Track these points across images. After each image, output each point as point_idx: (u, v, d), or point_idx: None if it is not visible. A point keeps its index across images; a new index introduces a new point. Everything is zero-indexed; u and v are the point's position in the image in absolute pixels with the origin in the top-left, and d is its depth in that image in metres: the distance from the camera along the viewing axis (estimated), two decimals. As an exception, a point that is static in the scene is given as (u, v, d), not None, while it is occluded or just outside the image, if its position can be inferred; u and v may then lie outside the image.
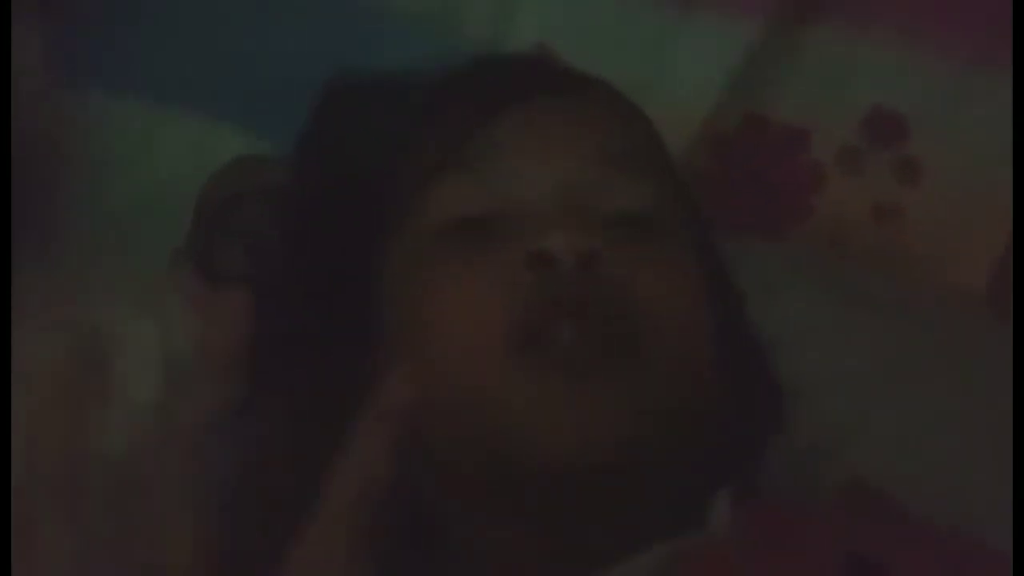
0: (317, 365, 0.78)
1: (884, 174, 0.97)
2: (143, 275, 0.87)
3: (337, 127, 0.84)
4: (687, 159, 0.95)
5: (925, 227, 0.96)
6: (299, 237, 0.82)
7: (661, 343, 0.71)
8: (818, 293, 0.92)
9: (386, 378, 0.70)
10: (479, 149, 0.76)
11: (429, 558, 0.73)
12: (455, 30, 0.98)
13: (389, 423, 0.69)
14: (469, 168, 0.76)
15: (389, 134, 0.81)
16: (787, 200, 0.97)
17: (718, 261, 0.83)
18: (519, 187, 0.75)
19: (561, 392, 0.69)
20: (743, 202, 0.97)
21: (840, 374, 0.87)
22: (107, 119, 0.95)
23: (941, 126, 0.96)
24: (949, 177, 0.96)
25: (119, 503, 0.78)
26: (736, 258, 0.87)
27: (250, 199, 0.85)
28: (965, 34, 0.95)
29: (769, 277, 0.91)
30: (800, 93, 0.98)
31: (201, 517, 0.72)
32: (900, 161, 0.97)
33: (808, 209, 0.97)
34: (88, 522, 0.79)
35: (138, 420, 0.80)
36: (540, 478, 0.70)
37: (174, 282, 0.85)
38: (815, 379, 0.86)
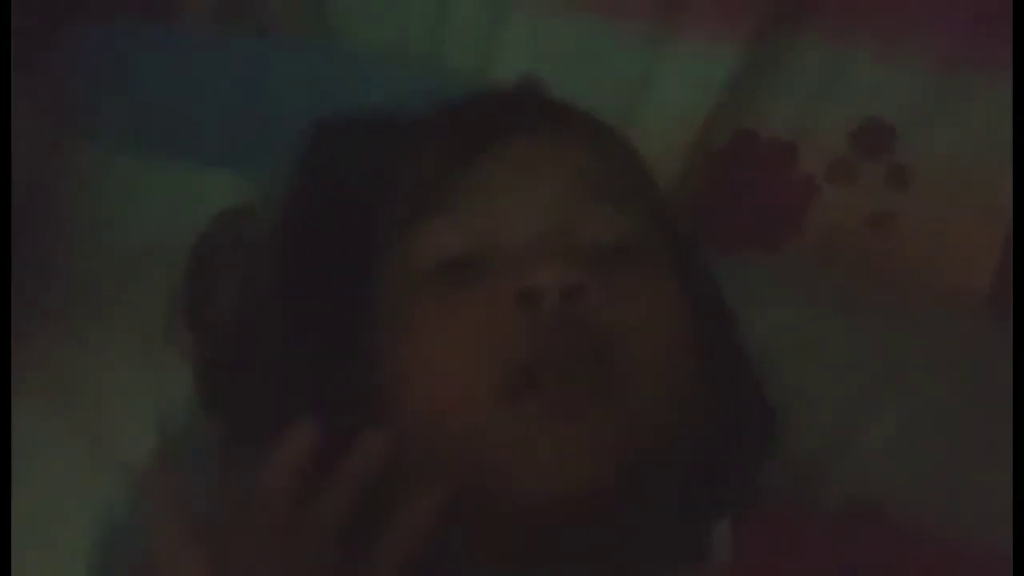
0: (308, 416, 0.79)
1: (876, 183, 0.97)
2: (137, 331, 0.88)
3: (323, 170, 0.84)
4: (679, 179, 0.96)
5: (920, 233, 0.97)
6: (286, 288, 0.83)
7: (647, 374, 0.72)
8: (814, 302, 0.92)
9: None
10: (460, 189, 0.76)
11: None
12: (442, 63, 0.98)
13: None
14: (451, 209, 0.76)
15: (375, 175, 0.82)
16: (780, 214, 0.98)
17: (706, 283, 0.83)
18: (502, 225, 0.75)
19: (551, 430, 0.70)
20: (737, 218, 0.97)
21: (839, 382, 0.88)
22: (100, 172, 0.95)
23: (928, 131, 0.96)
24: (940, 182, 0.96)
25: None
26: (731, 272, 0.88)
27: (236, 252, 0.86)
28: (946, 40, 0.95)
29: (765, 289, 0.92)
30: (787, 108, 0.98)
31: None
32: (891, 169, 0.97)
33: (801, 222, 0.97)
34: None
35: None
36: (534, 515, 0.70)
37: (170, 338, 0.85)
38: (814, 388, 0.87)
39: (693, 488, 0.74)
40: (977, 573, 0.72)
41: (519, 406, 0.70)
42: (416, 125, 0.83)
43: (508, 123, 0.79)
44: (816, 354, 0.88)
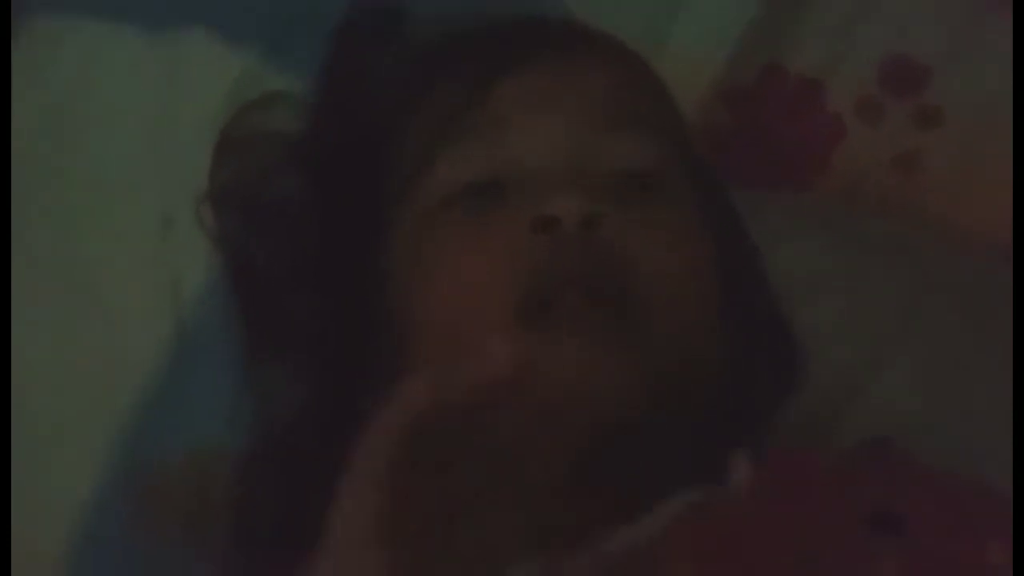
0: (326, 315, 0.78)
1: (904, 123, 0.96)
2: (154, 213, 0.87)
3: (351, 67, 0.84)
4: (704, 112, 0.95)
5: (946, 175, 0.95)
6: (310, 185, 0.82)
7: (665, 302, 0.71)
8: (839, 242, 0.91)
9: (404, 381, 0.60)
10: (482, 114, 0.76)
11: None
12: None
13: (403, 425, 0.59)
14: (474, 133, 0.76)
15: (401, 83, 0.81)
16: (805, 152, 0.97)
17: (729, 217, 0.83)
18: (523, 150, 0.75)
19: (568, 353, 0.69)
20: (762, 155, 0.96)
21: (856, 324, 0.87)
22: (106, 48, 0.94)
23: (959, 73, 0.95)
24: (970, 123, 0.95)
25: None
26: (752, 209, 0.87)
27: (270, 139, 0.85)
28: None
29: (786, 228, 0.91)
30: (817, 43, 0.97)
31: None
32: (920, 109, 0.96)
33: (827, 160, 0.96)
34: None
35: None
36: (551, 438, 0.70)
37: (199, 218, 0.85)
38: (831, 329, 0.86)
39: (713, 418, 0.74)
40: (992, 517, 0.72)
41: (536, 327, 0.70)
42: (444, 40, 0.82)
43: (532, 47, 0.78)
44: (837, 294, 0.88)
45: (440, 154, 0.76)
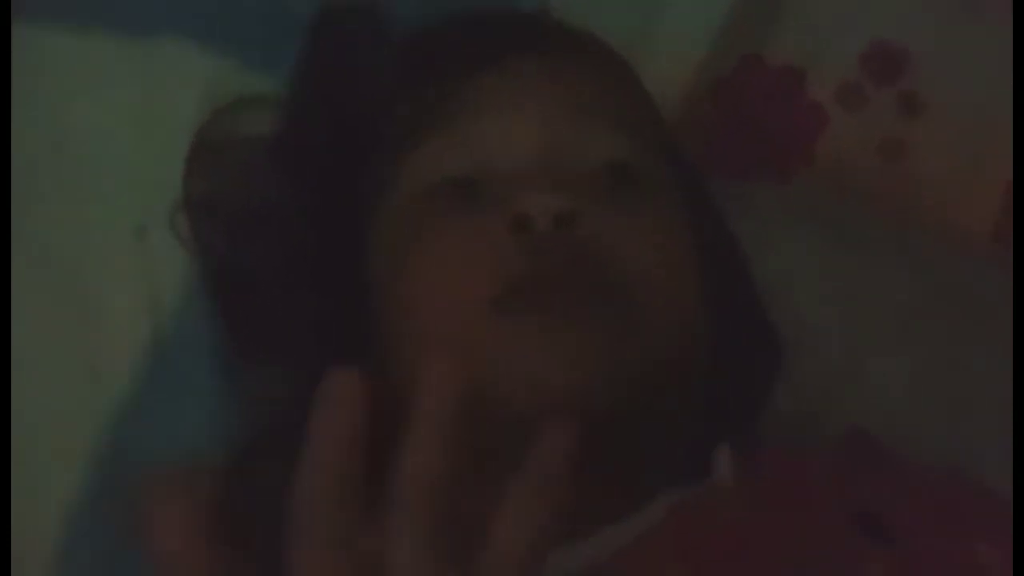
0: (306, 316, 0.78)
1: (886, 110, 0.96)
2: (131, 217, 0.87)
3: (327, 65, 0.83)
4: (686, 105, 0.94)
5: (930, 163, 0.95)
6: (290, 186, 0.82)
7: (644, 296, 0.71)
8: (821, 237, 0.91)
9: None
10: (459, 109, 0.76)
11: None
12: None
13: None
14: (449, 129, 0.75)
15: (378, 80, 0.81)
16: (788, 142, 0.96)
17: (710, 210, 0.83)
18: (498, 147, 0.75)
19: (541, 339, 0.69)
20: (744, 146, 0.96)
21: (843, 318, 0.88)
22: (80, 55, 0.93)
23: (941, 59, 0.95)
24: (953, 111, 0.95)
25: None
26: (738, 202, 0.87)
27: (244, 143, 0.85)
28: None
29: (771, 221, 0.91)
30: (798, 31, 0.96)
31: None
32: (902, 96, 0.95)
33: (810, 150, 0.96)
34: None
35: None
36: (527, 425, 0.69)
37: (173, 226, 0.84)
38: (818, 323, 0.86)
39: (694, 411, 0.74)
40: (979, 515, 0.72)
41: (513, 323, 0.69)
42: (420, 36, 0.81)
43: (509, 44, 0.78)
44: (822, 287, 0.88)
45: (418, 148, 0.76)
